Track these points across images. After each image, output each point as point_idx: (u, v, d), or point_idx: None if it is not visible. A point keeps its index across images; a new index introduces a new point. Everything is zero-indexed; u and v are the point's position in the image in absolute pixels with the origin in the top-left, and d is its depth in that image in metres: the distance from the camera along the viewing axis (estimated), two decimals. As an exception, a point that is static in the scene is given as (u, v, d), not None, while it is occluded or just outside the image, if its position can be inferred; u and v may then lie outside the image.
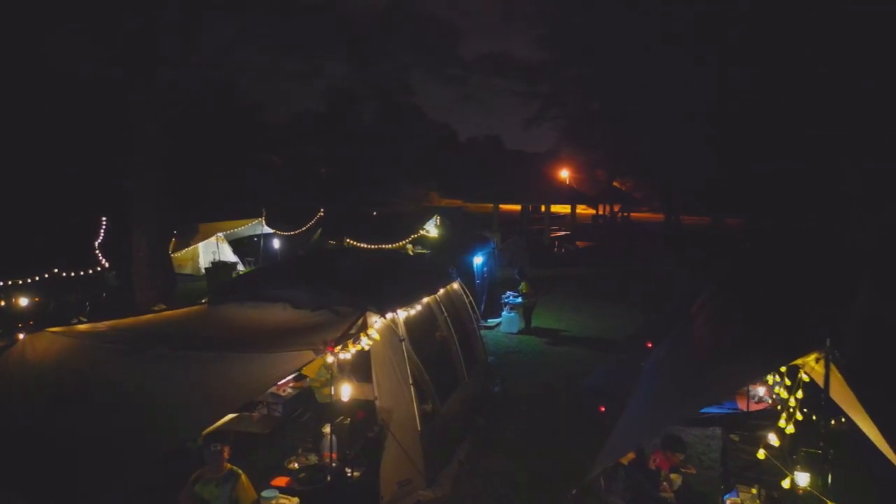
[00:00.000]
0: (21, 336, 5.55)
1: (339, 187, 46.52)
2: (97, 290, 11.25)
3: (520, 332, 14.22)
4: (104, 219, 11.60)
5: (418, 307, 7.97)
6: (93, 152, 14.15)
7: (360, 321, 6.72)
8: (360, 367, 7.38)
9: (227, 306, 7.10)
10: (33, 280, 9.99)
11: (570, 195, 37.33)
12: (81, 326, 5.93)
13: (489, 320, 14.77)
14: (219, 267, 20.78)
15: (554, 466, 7.54)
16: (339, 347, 5.38)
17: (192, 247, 22.10)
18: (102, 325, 6.06)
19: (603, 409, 7.95)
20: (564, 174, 42.04)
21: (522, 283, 14.47)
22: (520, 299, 14.56)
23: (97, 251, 11.05)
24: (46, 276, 9.89)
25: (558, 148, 50.68)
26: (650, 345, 8.18)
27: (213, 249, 22.39)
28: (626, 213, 48.32)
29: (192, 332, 6.12)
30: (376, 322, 6.79)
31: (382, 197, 46.05)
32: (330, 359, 5.27)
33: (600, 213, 49.20)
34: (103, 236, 11.38)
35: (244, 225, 22.86)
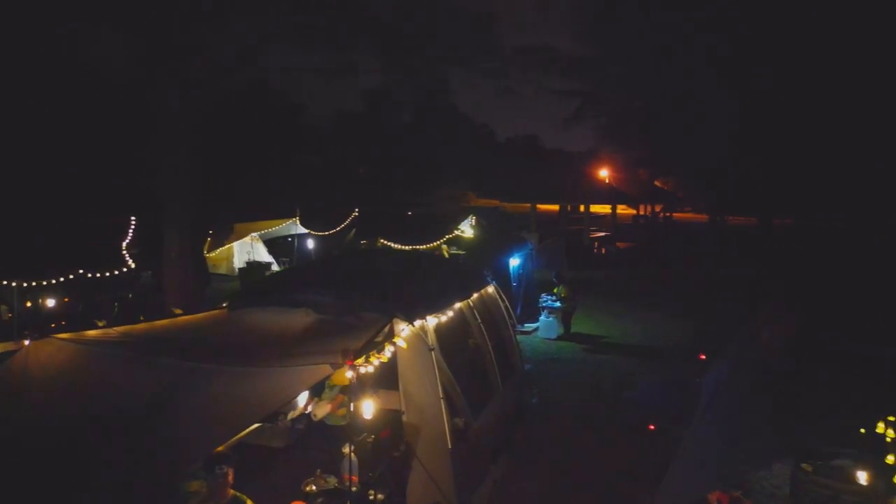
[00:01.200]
0: (27, 342, 5.20)
1: (376, 187, 46.43)
2: (126, 291, 11.06)
3: (558, 338, 13.57)
4: (133, 219, 11.40)
5: (450, 313, 7.43)
6: (123, 151, 14.08)
7: (386, 328, 6.24)
8: (387, 375, 6.90)
9: (247, 311, 6.70)
10: (59, 281, 9.81)
11: (610, 195, 36.32)
12: (91, 333, 5.57)
13: (526, 325, 14.16)
14: (253, 267, 20.67)
15: (599, 489, 6.92)
16: (360, 359, 4.88)
17: (226, 247, 22.04)
18: (114, 332, 5.70)
19: (653, 427, 7.27)
20: (604, 173, 41.07)
21: (560, 287, 13.80)
22: (558, 303, 13.89)
23: (125, 252, 10.86)
24: (72, 276, 9.71)
25: (598, 147, 49.68)
26: (703, 356, 7.47)
27: (247, 249, 22.31)
28: (668, 214, 46.88)
29: (205, 341, 5.71)
30: (404, 330, 6.30)
31: (418, 197, 45.75)
32: (349, 373, 4.78)
33: (641, 213, 47.94)
34: (132, 236, 11.18)
35: (278, 225, 22.70)
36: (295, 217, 21.94)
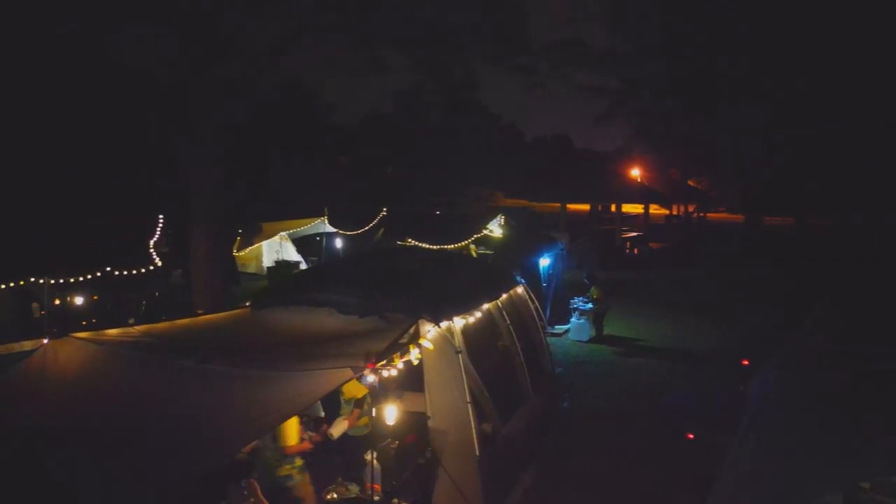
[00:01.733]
0: (45, 341, 5.10)
1: (404, 187, 46.43)
2: (153, 290, 11.06)
3: (590, 341, 13.18)
4: (161, 217, 11.38)
5: (478, 314, 7.17)
6: (151, 149, 14.14)
7: (411, 329, 6.00)
8: (413, 377, 6.66)
9: (270, 310, 6.53)
10: (87, 279, 9.83)
11: (642, 194, 35.59)
12: (110, 332, 5.45)
13: (556, 327, 13.81)
14: (281, 266, 20.67)
15: (633, 501, 6.58)
16: (382, 363, 4.65)
17: (255, 246, 22.10)
18: (134, 331, 5.58)
19: (692, 436, 6.90)
20: (635, 172, 40.31)
21: (593, 288, 13.40)
22: (590, 305, 13.51)
23: (152, 250, 10.85)
24: (99, 274, 9.71)
25: (629, 146, 48.77)
26: (746, 363, 7.06)
27: (276, 248, 22.34)
28: (701, 214, 45.81)
29: (225, 342, 5.54)
30: (430, 331, 6.06)
31: (447, 197, 45.58)
32: (371, 378, 4.55)
33: (674, 213, 46.96)
34: (160, 234, 11.17)
35: (307, 224, 22.70)
36: (323, 216, 21.92)
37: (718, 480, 4.03)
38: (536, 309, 9.61)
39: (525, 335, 8.49)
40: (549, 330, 13.24)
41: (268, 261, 22.09)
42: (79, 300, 10.91)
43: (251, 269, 22.09)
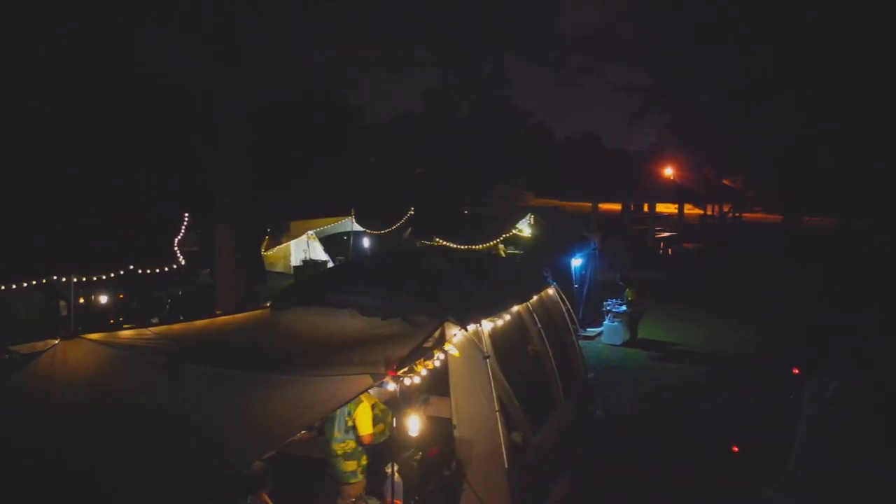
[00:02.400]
0: (57, 342, 4.91)
1: (433, 187, 46.19)
2: (178, 289, 10.95)
3: (624, 345, 12.69)
4: (186, 215, 11.27)
5: (507, 317, 6.82)
6: (176, 146, 14.08)
7: (436, 333, 5.69)
8: (439, 382, 6.33)
9: (290, 311, 6.28)
10: (111, 277, 9.74)
11: (676, 193, 34.72)
12: (124, 333, 5.24)
13: (589, 330, 13.35)
14: (308, 265, 20.56)
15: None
16: (403, 369, 4.33)
17: (283, 245, 22.05)
18: (148, 332, 5.36)
19: (736, 449, 6.43)
20: (668, 171, 39.41)
21: (628, 290, 12.89)
22: (624, 307, 13.01)
23: (176, 248, 10.74)
24: (122, 272, 9.62)
25: (661, 144, 47.75)
26: (798, 370, 6.57)
27: (303, 248, 22.27)
28: (737, 213, 44.60)
29: (242, 344, 5.30)
30: (456, 335, 5.73)
31: (475, 196, 45.20)
32: (391, 386, 4.23)
33: (709, 213, 45.88)
34: (184, 233, 11.06)
35: (334, 223, 22.56)
36: (350, 215, 21.76)
37: (776, 498, 3.60)
38: (568, 311, 9.22)
39: (556, 339, 8.10)
40: (581, 333, 12.77)
41: (295, 260, 22.03)
42: (105, 299, 10.86)
43: (279, 268, 22.04)
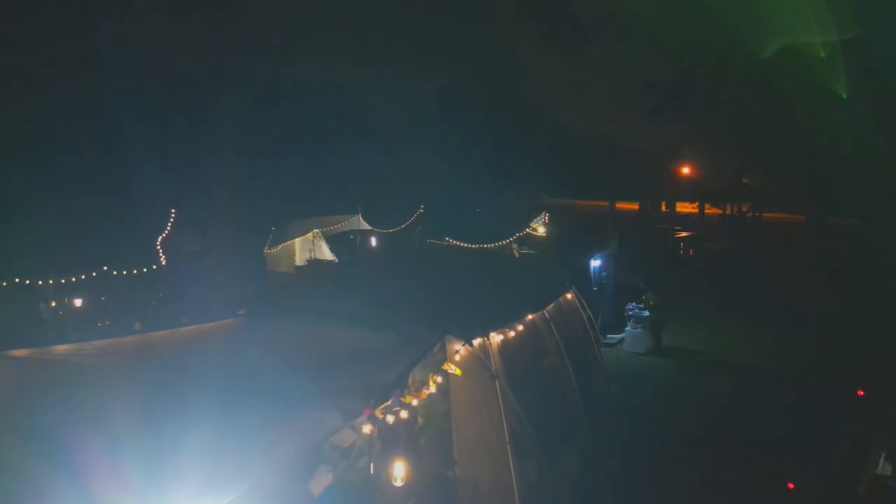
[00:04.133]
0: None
1: (445, 184, 45.40)
2: (159, 290, 10.12)
3: (647, 353, 11.67)
4: (173, 211, 10.44)
5: (520, 327, 5.88)
6: (165, 141, 13.26)
7: (435, 349, 4.77)
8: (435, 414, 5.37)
9: (265, 320, 5.40)
10: (92, 277, 8.93)
11: (695, 192, 33.51)
12: (59, 348, 4.39)
13: (609, 336, 12.33)
14: (313, 265, 19.71)
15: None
16: (386, 403, 3.40)
17: (288, 243, 21.21)
18: (90, 347, 4.50)
19: (792, 486, 5.43)
20: (686, 170, 38.25)
21: (649, 293, 11.88)
22: (646, 312, 12.00)
23: (159, 247, 9.91)
24: (94, 274, 8.80)
25: (681, 141, 46.51)
26: (862, 392, 5.55)
27: (308, 247, 21.41)
28: (757, 213, 43.25)
29: (197, 365, 4.39)
30: (458, 350, 4.80)
31: (488, 195, 44.29)
32: (367, 428, 3.31)
33: (728, 212, 44.58)
34: (169, 231, 10.22)
35: (341, 222, 21.71)
36: (357, 213, 20.92)
37: None
38: (589, 318, 8.26)
39: (576, 351, 7.12)
40: (602, 339, 11.80)
41: (300, 260, 21.19)
42: (87, 301, 10.05)
43: (283, 267, 21.18)
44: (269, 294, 6.37)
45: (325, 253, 21.57)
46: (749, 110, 36.56)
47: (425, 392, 4.02)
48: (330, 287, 5.98)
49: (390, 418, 3.47)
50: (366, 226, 21.70)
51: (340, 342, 4.79)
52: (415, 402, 3.79)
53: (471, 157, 48.96)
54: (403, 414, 3.65)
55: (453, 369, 4.43)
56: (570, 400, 6.49)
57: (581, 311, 7.92)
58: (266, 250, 20.71)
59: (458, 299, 5.63)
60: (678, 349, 11.98)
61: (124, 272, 9.13)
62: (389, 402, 3.47)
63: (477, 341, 4.98)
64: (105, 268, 8.89)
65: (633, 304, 12.43)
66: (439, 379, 4.22)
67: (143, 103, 11.04)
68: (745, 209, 42.16)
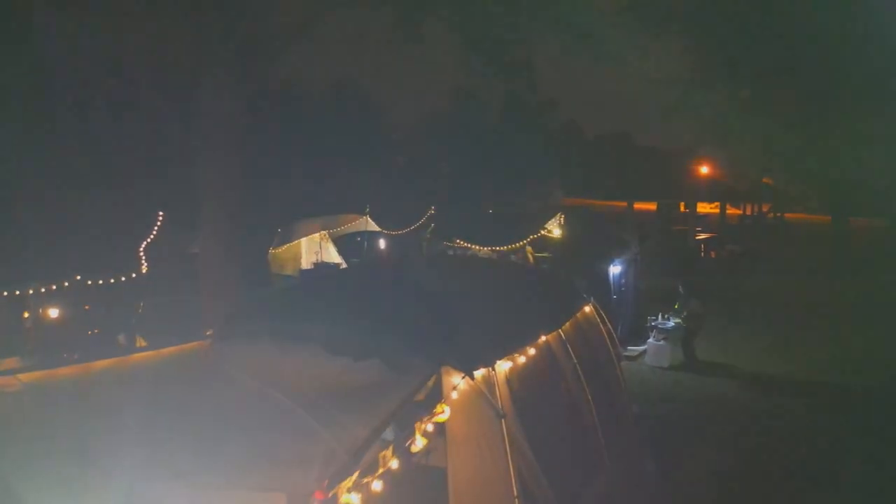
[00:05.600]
0: None
1: (459, 185, 44.81)
2: (143, 300, 9.42)
3: (672, 367, 10.78)
4: (161, 214, 9.74)
5: (532, 351, 5.06)
6: (155, 136, 12.58)
7: (430, 383, 3.99)
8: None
9: (233, 345, 4.63)
10: (72, 285, 8.25)
11: (717, 191, 32.41)
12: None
13: (630, 348, 11.48)
14: (319, 268, 19.04)
15: None
16: (346, 483, 2.59)
17: (293, 243, 20.56)
18: (21, 379, 3.76)
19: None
20: (704, 170, 37.21)
21: (690, 302, 10.81)
22: (671, 322, 11.10)
23: (141, 252, 9.21)
24: (66, 284, 8.11)
25: (700, 140, 45.41)
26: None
27: (315, 249, 20.75)
28: (778, 214, 41.99)
29: (138, 408, 3.63)
30: (458, 384, 4.02)
31: (502, 195, 43.52)
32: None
33: (748, 212, 43.39)
34: (155, 234, 9.52)
35: (349, 223, 21.01)
36: (365, 214, 20.20)
37: None
38: (609, 333, 7.41)
39: (596, 374, 6.29)
40: (622, 352, 10.93)
41: (306, 262, 20.53)
42: (69, 310, 9.37)
43: (288, 270, 20.54)
44: (248, 309, 5.59)
45: (333, 255, 20.92)
46: (772, 107, 35.42)
47: (416, 446, 3.22)
48: (316, 301, 5.18)
49: (355, 498, 2.67)
50: (374, 227, 21.03)
51: (314, 376, 4.01)
52: (394, 465, 2.99)
53: (484, 156, 48.27)
54: (378, 485, 2.85)
55: (443, 414, 3.62)
56: (590, 433, 5.65)
57: (601, 325, 7.07)
58: (271, 250, 20.10)
59: (461, 316, 4.83)
60: (706, 362, 11.04)
61: (100, 281, 8.45)
62: (355, 476, 2.67)
63: (480, 373, 4.18)
64: (78, 277, 8.21)
65: (657, 316, 11.53)
66: (430, 428, 3.42)
67: (130, 98, 10.41)
68: (765, 209, 40.96)
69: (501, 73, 18.12)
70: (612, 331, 7.86)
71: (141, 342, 9.01)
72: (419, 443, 3.26)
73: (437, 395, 3.95)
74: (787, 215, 44.45)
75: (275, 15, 11.17)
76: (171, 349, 4.64)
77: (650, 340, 11.15)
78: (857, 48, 28.33)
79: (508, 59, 16.73)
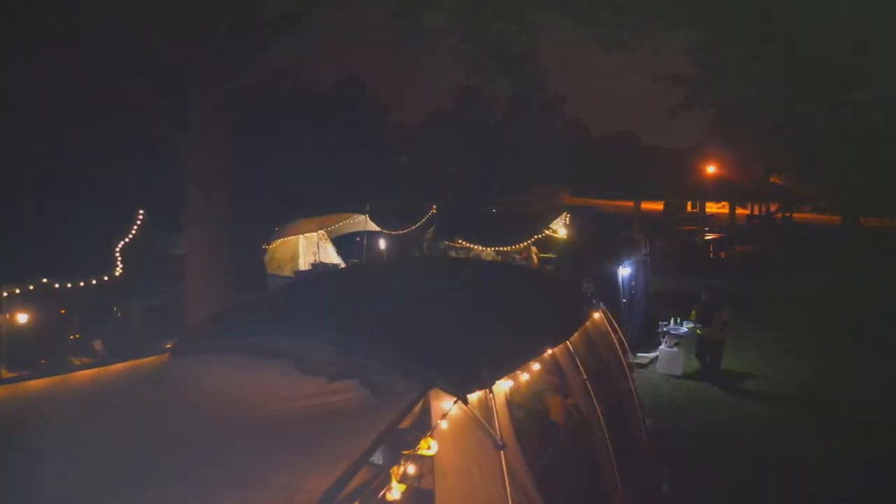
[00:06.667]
0: None
1: (463, 185, 44.34)
2: (117, 304, 8.81)
3: (685, 375, 10.13)
4: (141, 213, 9.16)
5: (536, 367, 4.46)
6: (137, 130, 11.98)
7: (416, 408, 3.42)
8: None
9: (195, 361, 4.05)
10: (40, 288, 7.68)
11: (727, 191, 31.71)
12: None
13: (640, 354, 10.84)
14: (317, 269, 18.45)
15: None
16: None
17: (290, 243, 19.98)
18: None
19: None
20: (711, 169, 36.55)
21: (719, 310, 9.94)
22: (684, 329, 10.45)
23: (117, 253, 8.63)
24: (31, 287, 7.53)
25: (707, 139, 44.75)
26: None
27: (313, 250, 20.18)
28: (786, 213, 41.29)
29: (66, 437, 3.05)
30: (449, 409, 3.42)
31: (508, 195, 42.96)
32: None
33: (755, 212, 42.70)
34: (134, 234, 8.94)
35: (347, 221, 20.42)
36: (364, 213, 19.59)
37: None
38: (620, 341, 6.80)
39: (608, 389, 5.69)
40: (631, 359, 10.29)
41: (304, 263, 19.95)
42: (43, 314, 8.79)
43: (286, 271, 19.97)
44: (215, 319, 4.99)
45: (332, 256, 20.34)
46: (781, 106, 34.73)
47: (388, 495, 2.63)
48: (295, 308, 4.59)
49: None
50: (373, 226, 20.45)
51: (280, 399, 3.43)
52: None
53: (487, 153, 47.73)
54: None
55: (429, 450, 3.03)
56: (601, 457, 5.04)
57: (612, 335, 6.46)
58: (264, 247, 19.53)
59: (454, 327, 4.23)
60: (724, 370, 10.37)
61: (68, 284, 7.87)
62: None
63: (476, 396, 3.58)
64: (44, 280, 7.63)
65: (671, 320, 10.87)
66: (412, 470, 2.83)
67: (108, 86, 9.82)
68: (773, 209, 40.25)
69: (506, 69, 17.51)
70: (623, 338, 7.26)
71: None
72: (395, 492, 2.66)
73: (424, 423, 3.36)
74: (795, 215, 43.77)
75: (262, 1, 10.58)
76: (121, 366, 4.06)
77: (662, 347, 10.50)
78: (871, 43, 27.67)
79: (513, 53, 16.13)
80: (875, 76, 28.79)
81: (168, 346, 4.42)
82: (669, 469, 6.57)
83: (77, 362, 6.07)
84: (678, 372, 10.15)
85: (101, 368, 3.99)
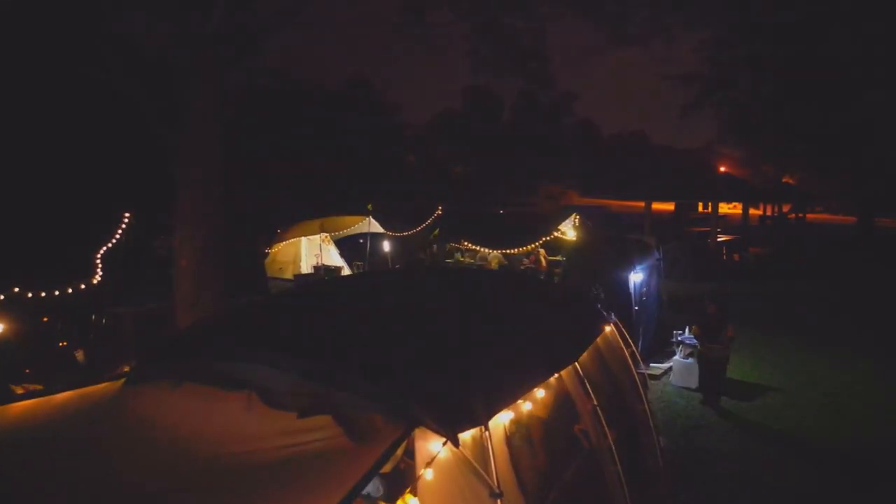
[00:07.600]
0: None
1: (471, 185, 43.91)
2: (109, 310, 8.38)
3: (701, 388, 9.56)
4: (127, 215, 8.72)
5: (540, 393, 3.94)
6: (129, 129, 11.53)
7: (399, 451, 2.91)
8: None
9: (152, 388, 3.56)
10: (24, 296, 7.25)
11: (739, 191, 31.01)
12: None
13: (652, 365, 10.30)
14: (319, 272, 17.99)
15: None
16: None
17: (292, 245, 19.54)
18: None
19: None
20: (723, 170, 35.89)
21: (727, 323, 9.32)
22: (695, 340, 9.88)
23: (97, 259, 8.19)
24: (3, 297, 7.09)
25: (719, 139, 44.10)
26: None
27: (315, 252, 19.73)
28: (799, 214, 40.59)
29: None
30: (437, 453, 2.93)
31: (516, 196, 42.46)
32: None
33: (768, 213, 42.05)
34: (119, 238, 8.50)
35: (353, 223, 19.96)
36: (367, 214, 19.12)
37: None
38: (633, 354, 6.26)
39: (621, 414, 5.16)
40: (642, 370, 9.73)
41: (306, 266, 19.50)
42: (24, 323, 8.36)
43: (287, 274, 19.54)
44: (174, 340, 4.49)
45: (335, 259, 19.90)
46: (794, 104, 34.02)
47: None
48: (274, 322, 4.09)
49: None
50: (378, 228, 19.97)
51: (244, 439, 2.94)
52: None
53: (495, 153, 47.26)
54: None
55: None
56: (614, 492, 4.51)
57: (625, 351, 5.93)
58: (266, 250, 19.12)
59: (448, 350, 3.71)
60: (735, 381, 9.80)
61: (42, 293, 7.43)
62: None
63: (469, 435, 3.07)
64: (16, 289, 7.19)
65: (685, 329, 10.32)
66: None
67: (95, 82, 9.42)
68: (785, 209, 39.55)
69: (515, 65, 16.97)
70: (636, 351, 6.72)
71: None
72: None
73: (404, 479, 2.86)
74: (808, 216, 43.03)
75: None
76: (67, 395, 3.57)
77: (676, 357, 9.95)
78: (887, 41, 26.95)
79: (522, 48, 15.60)
80: (890, 75, 28.11)
81: (126, 368, 3.94)
82: (685, 497, 6.05)
83: (20, 390, 5.56)
84: (693, 385, 9.58)
85: (44, 399, 3.50)
